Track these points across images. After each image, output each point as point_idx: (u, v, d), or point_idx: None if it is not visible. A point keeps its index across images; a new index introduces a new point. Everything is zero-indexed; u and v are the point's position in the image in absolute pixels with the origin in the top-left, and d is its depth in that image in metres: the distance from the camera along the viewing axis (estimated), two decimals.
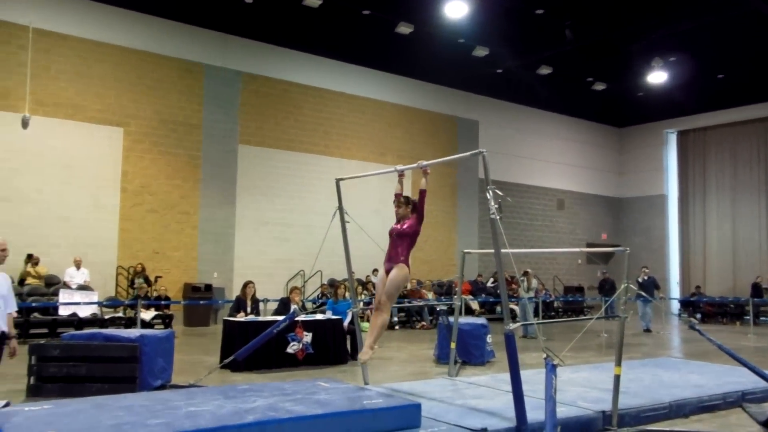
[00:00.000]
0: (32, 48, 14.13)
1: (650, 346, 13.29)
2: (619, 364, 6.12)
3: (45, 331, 12.59)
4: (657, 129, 26.19)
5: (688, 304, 21.83)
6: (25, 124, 13.29)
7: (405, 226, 6.49)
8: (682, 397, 6.89)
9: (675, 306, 23.10)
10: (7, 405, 5.49)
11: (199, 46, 16.89)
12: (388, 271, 6.38)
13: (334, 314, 10.76)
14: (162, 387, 7.34)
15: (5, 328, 5.78)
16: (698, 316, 20.32)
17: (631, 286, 6.68)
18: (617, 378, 6.07)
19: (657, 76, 19.56)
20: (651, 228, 26.07)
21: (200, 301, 15.28)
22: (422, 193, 6.51)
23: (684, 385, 7.65)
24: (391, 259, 6.40)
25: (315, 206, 17.83)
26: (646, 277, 16.70)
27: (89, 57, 15.22)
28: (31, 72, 14.10)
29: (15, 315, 6.11)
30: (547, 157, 24.65)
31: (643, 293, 14.12)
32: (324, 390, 5.73)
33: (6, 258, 5.93)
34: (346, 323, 10.51)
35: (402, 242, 6.43)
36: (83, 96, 15.08)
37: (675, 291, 24.32)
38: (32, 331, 12.38)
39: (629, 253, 6.80)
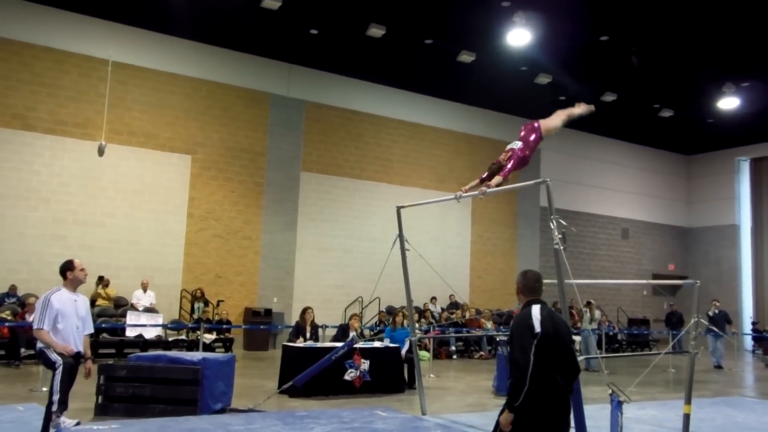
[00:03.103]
0: (110, 80, 14.88)
1: (722, 384, 12.68)
2: (688, 402, 5.88)
3: (112, 351, 13.03)
4: (728, 156, 25.27)
5: (762, 340, 20.74)
6: (101, 151, 13.93)
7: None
8: None
9: (748, 342, 22.00)
10: (77, 424, 5.68)
11: (266, 77, 17.40)
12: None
13: (391, 342, 10.72)
14: (222, 410, 7.44)
15: (81, 349, 6.00)
16: None
17: (702, 320, 6.43)
18: (687, 417, 5.82)
19: (728, 102, 18.87)
20: (721, 259, 25.01)
21: (260, 325, 15.50)
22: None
23: (760, 427, 7.26)
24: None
25: (374, 233, 17.93)
26: (716, 311, 16.03)
27: (162, 88, 15.90)
28: (108, 102, 14.83)
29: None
30: (611, 186, 24.11)
31: (714, 328, 13.52)
32: (381, 419, 5.71)
33: (86, 277, 6.21)
34: (403, 351, 10.44)
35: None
36: (155, 125, 15.72)
37: (747, 326, 23.16)
38: (101, 351, 12.83)
39: (698, 286, 6.55)
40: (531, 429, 3.78)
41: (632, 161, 24.89)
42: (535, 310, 3.98)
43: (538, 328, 3.87)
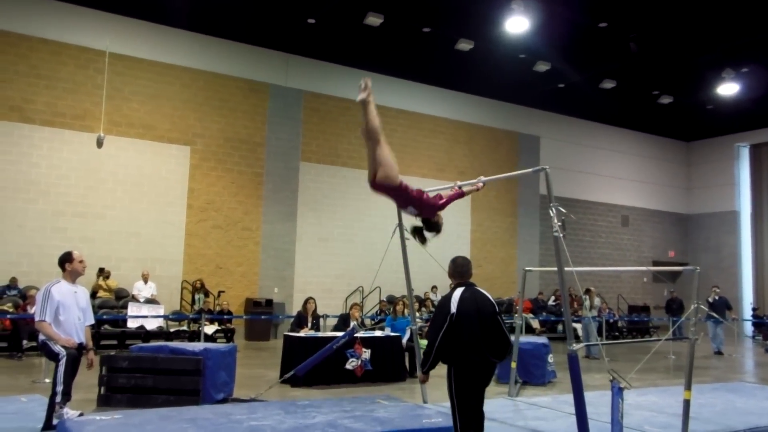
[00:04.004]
0: (108, 71, 14.84)
1: (722, 370, 12.73)
2: (689, 388, 5.89)
3: (114, 342, 13.08)
4: (728, 143, 25.23)
5: (762, 326, 20.80)
6: (99, 143, 13.91)
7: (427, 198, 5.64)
8: (758, 425, 6.56)
9: (748, 328, 22.06)
10: (80, 415, 5.71)
11: (264, 67, 17.34)
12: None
13: (392, 331, 10.77)
14: (224, 400, 7.47)
15: (83, 340, 6.03)
16: None
17: (702, 306, 6.44)
18: (687, 403, 5.84)
19: (728, 88, 18.79)
20: (721, 246, 25.03)
21: (261, 316, 15.54)
22: (458, 193, 5.82)
23: (760, 412, 7.29)
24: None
25: (374, 222, 17.92)
26: (716, 297, 16.07)
27: (160, 79, 15.84)
28: (106, 94, 14.79)
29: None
30: (610, 173, 24.08)
31: (714, 314, 13.58)
32: (383, 407, 5.73)
33: (85, 269, 6.23)
34: (404, 340, 10.48)
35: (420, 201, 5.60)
36: (153, 116, 15.68)
37: (748, 312, 23.23)
38: (102, 342, 12.88)
39: (698, 272, 6.56)
40: (456, 386, 4.64)
41: (632, 148, 24.85)
42: (457, 292, 4.57)
43: (453, 309, 4.47)
